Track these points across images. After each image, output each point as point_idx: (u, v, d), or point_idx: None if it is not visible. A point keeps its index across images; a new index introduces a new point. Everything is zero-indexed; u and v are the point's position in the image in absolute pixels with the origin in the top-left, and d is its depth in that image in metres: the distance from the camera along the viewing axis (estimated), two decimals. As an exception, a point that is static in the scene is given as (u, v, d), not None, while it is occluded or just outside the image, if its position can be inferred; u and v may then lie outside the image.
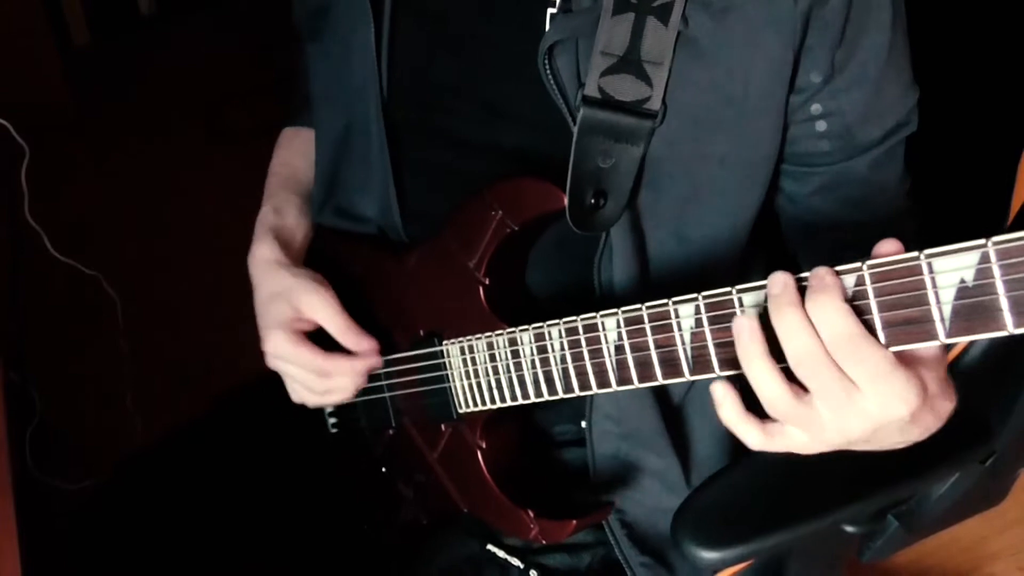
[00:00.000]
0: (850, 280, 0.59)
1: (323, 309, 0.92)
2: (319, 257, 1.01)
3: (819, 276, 0.60)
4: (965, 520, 1.06)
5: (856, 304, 0.58)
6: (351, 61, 0.91)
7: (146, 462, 1.09)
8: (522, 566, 0.94)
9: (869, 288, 0.58)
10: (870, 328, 0.58)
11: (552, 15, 0.80)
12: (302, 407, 0.99)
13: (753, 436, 0.67)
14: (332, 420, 1.05)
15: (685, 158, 0.81)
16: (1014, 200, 0.91)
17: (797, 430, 0.65)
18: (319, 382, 0.93)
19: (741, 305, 0.63)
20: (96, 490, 1.10)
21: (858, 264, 0.58)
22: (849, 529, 0.99)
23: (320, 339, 0.93)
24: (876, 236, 0.88)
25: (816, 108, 0.83)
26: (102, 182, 2.58)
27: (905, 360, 0.60)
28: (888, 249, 0.59)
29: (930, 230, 0.92)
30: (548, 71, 0.79)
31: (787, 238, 0.93)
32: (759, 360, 0.63)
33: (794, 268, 0.92)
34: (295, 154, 1.06)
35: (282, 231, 0.99)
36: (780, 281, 0.62)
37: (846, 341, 0.59)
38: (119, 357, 1.85)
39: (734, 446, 0.92)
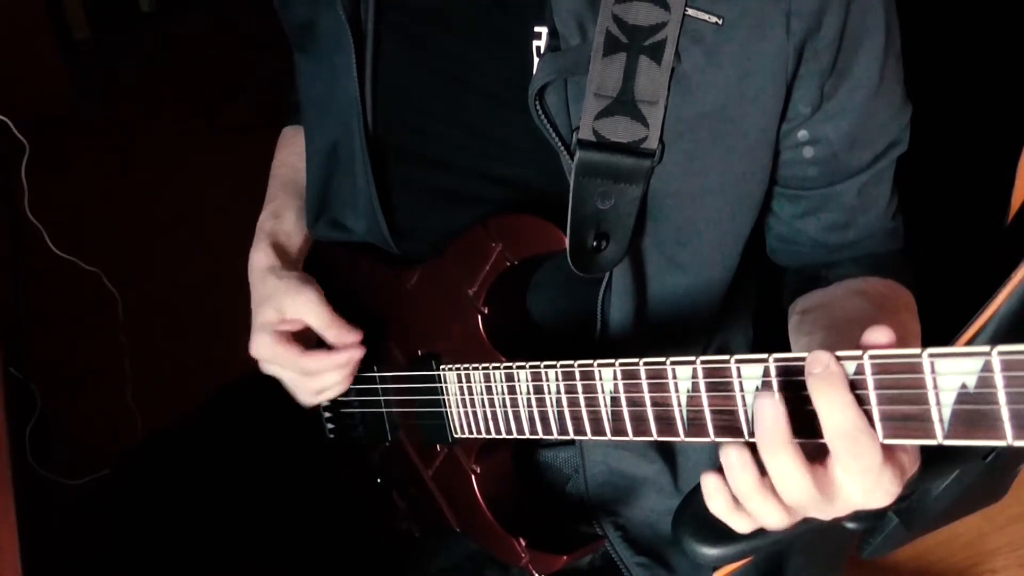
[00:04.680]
0: (849, 367, 0.56)
1: (307, 308, 0.91)
2: (320, 268, 1.00)
3: (822, 362, 0.56)
4: (966, 516, 1.06)
5: (855, 393, 0.56)
6: (337, 79, 0.89)
7: (146, 457, 1.09)
8: (523, 564, 0.94)
9: (869, 378, 0.55)
10: (868, 418, 0.56)
11: (539, 50, 0.79)
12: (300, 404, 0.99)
13: (742, 524, 0.64)
14: (329, 426, 1.05)
15: (682, 192, 0.80)
16: (1014, 199, 0.91)
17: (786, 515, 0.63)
18: (307, 382, 0.92)
19: (739, 375, 0.61)
20: (96, 485, 1.10)
21: (858, 353, 0.56)
22: (849, 525, 0.98)
23: (313, 341, 0.93)
24: (856, 257, 0.88)
25: (803, 134, 0.81)
26: (102, 178, 2.58)
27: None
28: (877, 339, 0.56)
29: (931, 230, 0.92)
30: (540, 111, 0.78)
31: (771, 250, 0.93)
32: (784, 449, 0.58)
33: (781, 282, 0.92)
34: (295, 154, 1.05)
35: (279, 236, 0.99)
36: (823, 361, 0.56)
37: (849, 434, 0.56)
38: (119, 352, 1.85)
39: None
